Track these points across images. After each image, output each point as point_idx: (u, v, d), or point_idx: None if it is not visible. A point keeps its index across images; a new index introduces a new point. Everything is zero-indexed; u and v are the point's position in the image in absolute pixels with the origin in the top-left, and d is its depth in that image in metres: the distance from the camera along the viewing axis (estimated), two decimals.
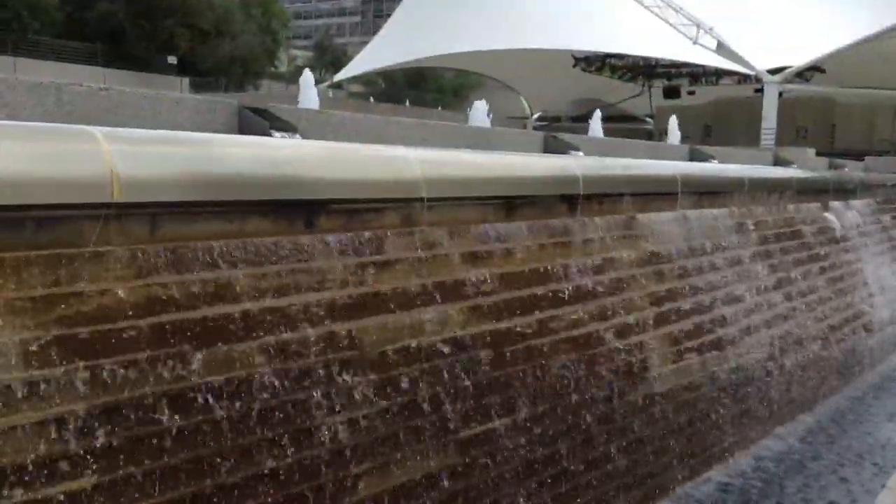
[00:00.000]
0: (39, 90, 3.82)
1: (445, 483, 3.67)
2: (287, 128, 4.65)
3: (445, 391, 3.77)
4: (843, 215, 9.62)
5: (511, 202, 4.60)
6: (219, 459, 2.86)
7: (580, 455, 4.51)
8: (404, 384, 3.59)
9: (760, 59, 28.78)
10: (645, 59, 37.25)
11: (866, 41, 27.62)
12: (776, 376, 6.76)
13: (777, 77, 28.79)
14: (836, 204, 9.59)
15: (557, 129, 18.61)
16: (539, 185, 4.91)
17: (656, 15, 28.49)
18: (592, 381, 4.71)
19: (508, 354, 4.19)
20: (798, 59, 29.28)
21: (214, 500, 2.82)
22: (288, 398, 3.12)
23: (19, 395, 2.42)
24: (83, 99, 3.98)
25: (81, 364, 2.57)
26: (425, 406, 3.65)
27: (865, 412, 7.44)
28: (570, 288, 4.83)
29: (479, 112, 12.06)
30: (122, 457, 2.61)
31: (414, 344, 3.70)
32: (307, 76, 10.60)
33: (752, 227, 7.37)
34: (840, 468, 5.95)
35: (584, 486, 4.51)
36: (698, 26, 27.99)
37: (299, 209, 3.41)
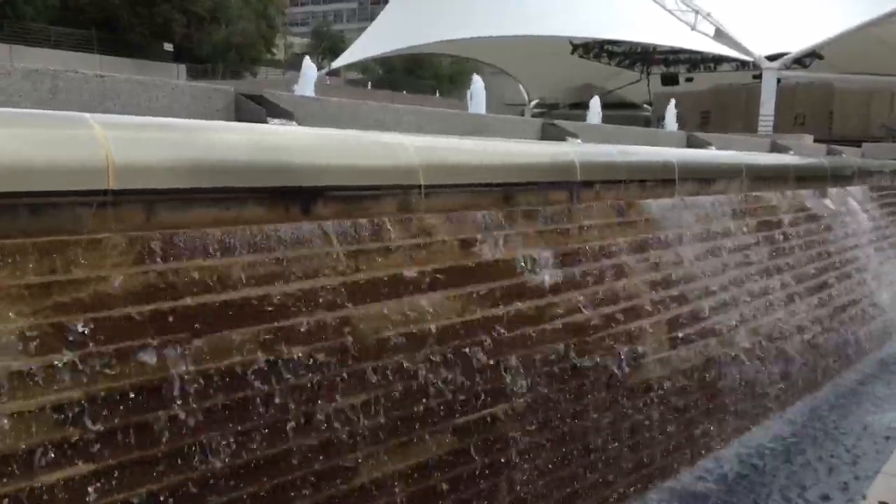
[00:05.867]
0: (35, 77, 3.81)
1: None
2: (284, 115, 4.64)
3: (439, 379, 3.77)
4: (840, 201, 9.62)
5: (508, 189, 4.59)
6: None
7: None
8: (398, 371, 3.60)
9: (759, 46, 28.68)
10: (643, 45, 37.15)
11: (864, 27, 27.53)
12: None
13: (775, 63, 28.67)
14: (833, 190, 9.60)
15: (555, 116, 18.59)
16: (536, 172, 4.90)
17: (654, 1, 28.38)
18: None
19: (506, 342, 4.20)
20: (796, 45, 29.18)
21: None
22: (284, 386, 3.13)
23: (16, 382, 2.42)
24: (79, 86, 3.97)
25: (77, 352, 2.57)
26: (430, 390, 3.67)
27: None
28: (566, 274, 4.83)
29: (478, 88, 12.12)
30: (121, 444, 2.61)
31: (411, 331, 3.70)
32: (308, 64, 10.61)
33: (748, 213, 7.37)
34: None
35: None
36: (696, 12, 27.87)
37: (296, 196, 3.41)
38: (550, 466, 4.27)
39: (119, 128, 2.85)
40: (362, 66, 51.52)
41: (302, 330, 3.24)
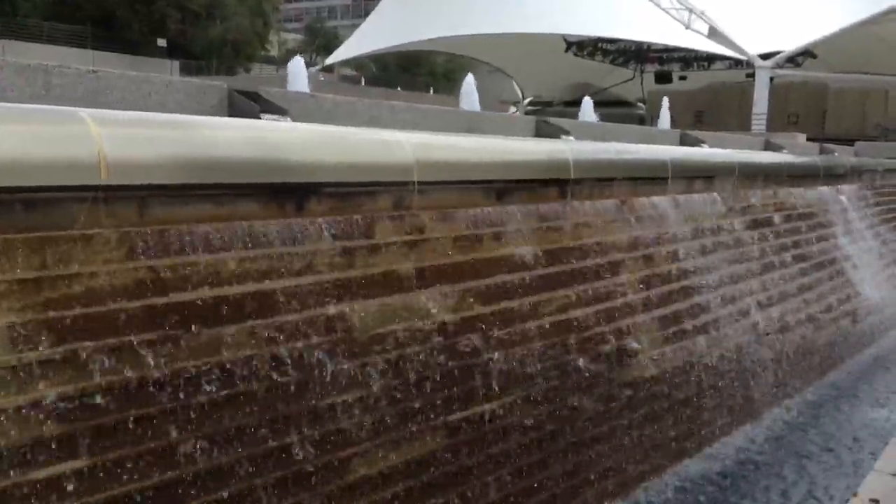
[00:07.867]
0: (28, 72, 3.80)
1: None
2: (278, 111, 4.63)
3: (430, 376, 3.78)
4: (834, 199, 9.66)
5: (502, 186, 4.60)
6: (200, 445, 2.87)
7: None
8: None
9: (752, 44, 28.71)
10: (637, 43, 37.12)
11: (858, 26, 27.58)
12: None
13: (768, 62, 28.69)
14: (824, 189, 9.64)
15: (549, 114, 18.61)
16: (530, 170, 4.90)
17: None
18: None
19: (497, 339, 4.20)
20: (790, 43, 29.21)
21: None
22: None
23: (7, 378, 2.42)
24: (72, 81, 3.95)
25: (69, 347, 2.57)
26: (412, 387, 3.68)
27: None
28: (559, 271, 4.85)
29: (470, 87, 12.11)
30: (109, 439, 2.61)
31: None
32: (296, 63, 10.60)
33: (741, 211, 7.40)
34: None
35: None
36: (690, 11, 27.88)
37: (290, 193, 3.40)
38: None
39: (112, 123, 2.84)
40: (356, 62, 51.39)
41: (296, 326, 3.25)
